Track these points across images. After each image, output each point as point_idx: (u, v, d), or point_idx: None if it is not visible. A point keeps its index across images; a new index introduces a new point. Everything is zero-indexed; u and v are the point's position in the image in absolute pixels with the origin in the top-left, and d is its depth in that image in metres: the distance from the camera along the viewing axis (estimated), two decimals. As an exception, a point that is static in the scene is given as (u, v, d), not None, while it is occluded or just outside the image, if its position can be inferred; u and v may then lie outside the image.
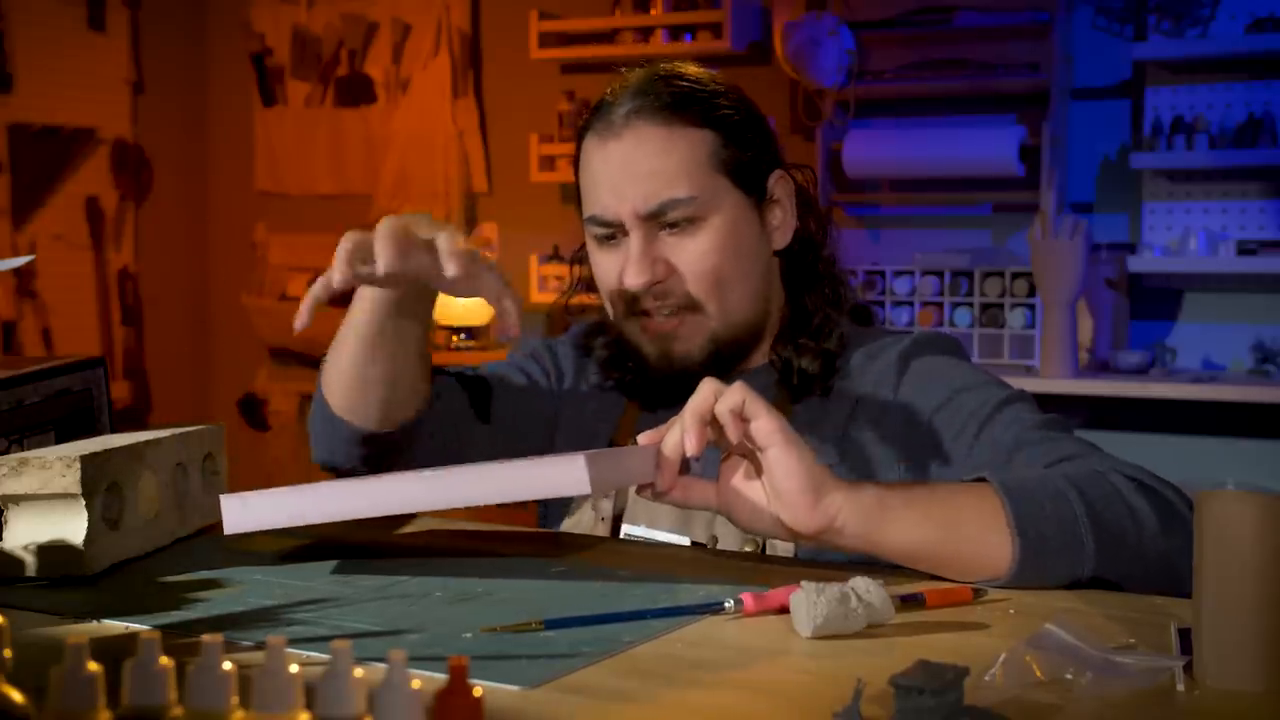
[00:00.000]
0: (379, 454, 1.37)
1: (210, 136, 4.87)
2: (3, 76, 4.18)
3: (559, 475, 1.05)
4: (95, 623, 1.00)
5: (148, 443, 1.21)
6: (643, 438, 1.14)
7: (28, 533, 1.11)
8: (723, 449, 1.14)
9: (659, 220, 1.35)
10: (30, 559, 1.10)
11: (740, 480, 1.13)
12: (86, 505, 1.10)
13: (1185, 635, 0.93)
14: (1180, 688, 0.85)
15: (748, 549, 1.31)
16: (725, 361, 1.39)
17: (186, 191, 4.80)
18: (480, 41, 4.42)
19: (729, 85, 1.42)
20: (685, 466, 1.13)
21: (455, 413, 1.45)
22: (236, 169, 4.80)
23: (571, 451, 1.11)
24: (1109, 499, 1.12)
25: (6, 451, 1.28)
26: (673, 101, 1.36)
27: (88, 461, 1.10)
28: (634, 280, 1.34)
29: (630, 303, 1.38)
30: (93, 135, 4.44)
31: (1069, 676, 0.84)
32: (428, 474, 1.10)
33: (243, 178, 4.78)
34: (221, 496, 1.13)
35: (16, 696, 0.64)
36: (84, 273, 4.43)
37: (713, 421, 1.10)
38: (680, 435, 1.10)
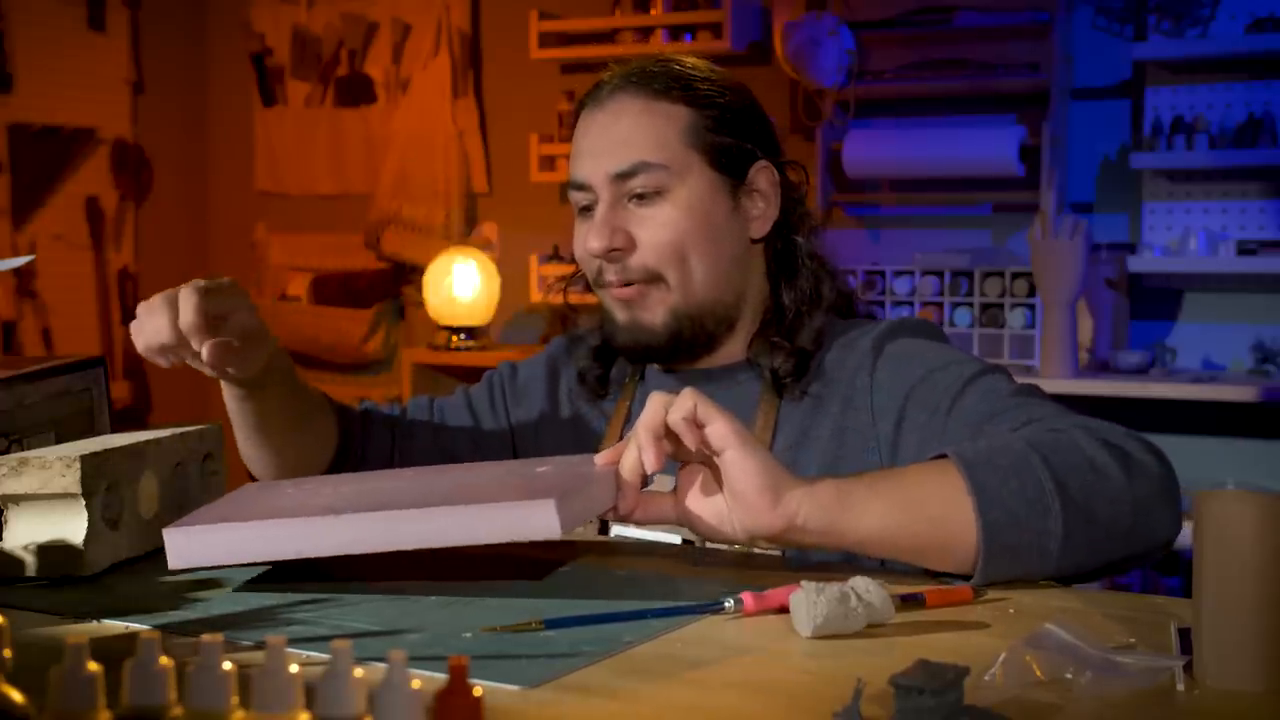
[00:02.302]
0: None
1: (210, 136, 4.87)
2: (3, 76, 4.18)
3: (528, 519, 1.02)
4: (95, 623, 1.00)
5: (148, 442, 1.21)
6: (599, 459, 1.14)
7: (28, 533, 1.11)
8: (679, 461, 1.14)
9: (627, 188, 1.37)
10: (30, 559, 1.10)
11: (698, 490, 1.12)
12: (86, 505, 1.10)
13: (1185, 635, 0.93)
14: (1180, 688, 0.85)
15: (737, 546, 1.31)
16: (690, 342, 1.41)
17: (186, 191, 4.80)
18: (480, 41, 4.42)
19: (727, 76, 1.45)
20: (644, 481, 1.12)
21: (378, 453, 1.53)
22: (236, 169, 4.80)
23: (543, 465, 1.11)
24: (1071, 458, 1.11)
25: (6, 451, 1.28)
26: (656, 79, 1.40)
27: (88, 461, 1.10)
28: (593, 243, 1.38)
29: (596, 273, 1.41)
30: (93, 135, 4.44)
31: (1069, 676, 0.84)
32: (390, 513, 1.05)
33: (243, 178, 4.78)
34: (165, 530, 1.08)
35: (16, 696, 0.64)
36: (84, 273, 4.43)
37: (668, 434, 1.09)
38: (637, 454, 1.09)
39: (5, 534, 1.11)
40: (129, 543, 1.17)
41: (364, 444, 1.52)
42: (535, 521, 1.02)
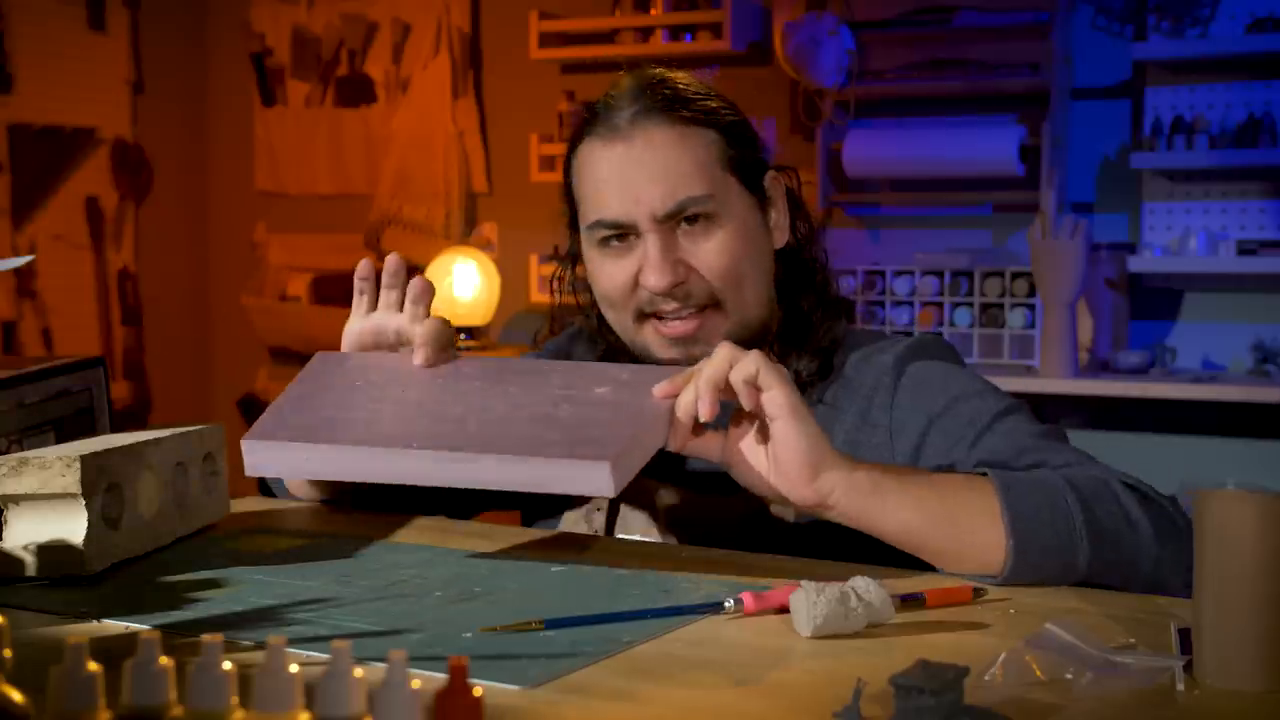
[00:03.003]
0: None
1: (210, 136, 4.87)
2: (3, 76, 4.18)
3: (584, 476, 1.10)
4: (95, 623, 1.00)
5: (147, 443, 1.21)
6: (658, 390, 1.16)
7: (28, 533, 1.11)
8: (735, 406, 1.15)
9: (675, 220, 1.33)
10: (30, 559, 1.10)
11: (748, 440, 1.15)
12: (86, 505, 1.10)
13: (1185, 635, 0.93)
14: (1180, 688, 0.85)
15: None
16: None
17: (186, 191, 4.80)
18: (480, 41, 4.42)
19: (715, 88, 1.43)
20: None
21: None
22: (236, 169, 4.80)
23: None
24: (1106, 503, 1.13)
25: (6, 451, 1.28)
26: (676, 102, 1.35)
27: (88, 461, 1.10)
28: (658, 283, 1.31)
29: (644, 305, 1.35)
30: (93, 135, 4.44)
31: (1069, 676, 0.84)
32: (454, 454, 1.12)
33: (243, 178, 4.78)
34: (243, 440, 1.17)
35: (16, 696, 0.64)
36: (84, 273, 4.43)
37: (727, 386, 1.12)
38: (694, 398, 1.13)
39: (5, 534, 1.11)
40: (129, 543, 1.17)
41: None
42: (591, 481, 1.10)
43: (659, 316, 1.35)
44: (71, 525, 1.10)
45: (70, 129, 4.37)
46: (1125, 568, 1.13)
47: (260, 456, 1.17)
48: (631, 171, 1.33)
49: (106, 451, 1.14)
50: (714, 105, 1.37)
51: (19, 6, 4.20)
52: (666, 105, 1.34)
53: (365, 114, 4.57)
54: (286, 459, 1.17)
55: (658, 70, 1.40)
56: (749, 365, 1.11)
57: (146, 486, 1.20)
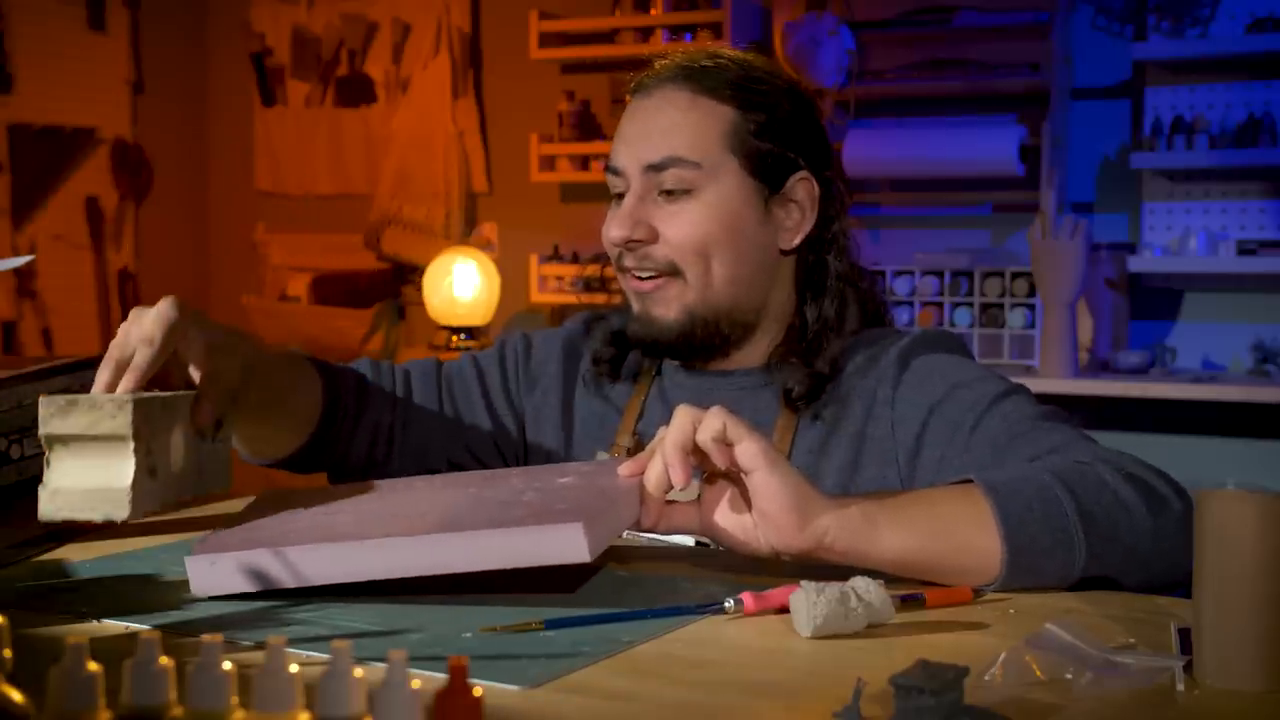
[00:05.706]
0: (295, 464, 1.49)
1: (210, 136, 4.87)
2: (3, 76, 4.18)
3: (557, 544, 1.01)
4: (95, 623, 1.00)
5: (180, 396, 1.19)
6: (623, 470, 1.13)
7: (72, 474, 1.08)
8: (705, 471, 1.13)
9: (657, 180, 1.37)
10: (75, 500, 1.07)
11: (724, 505, 1.12)
12: (134, 449, 1.07)
13: (1185, 635, 0.93)
14: (1180, 688, 0.85)
15: None
16: (702, 343, 1.40)
17: (186, 191, 4.80)
18: (480, 41, 4.42)
19: (790, 82, 1.44)
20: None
21: (373, 426, 1.48)
22: (236, 169, 4.80)
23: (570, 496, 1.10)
24: (1097, 491, 1.12)
25: (6, 451, 1.28)
26: (709, 75, 1.39)
27: (139, 405, 1.08)
28: (614, 231, 1.38)
29: (617, 259, 1.41)
30: (93, 135, 4.44)
31: (1069, 676, 0.84)
32: (414, 539, 1.04)
33: (243, 178, 4.78)
34: (187, 558, 1.06)
35: (16, 696, 0.64)
36: (84, 273, 4.43)
37: (695, 449, 1.09)
38: (662, 468, 1.09)
39: (49, 475, 1.09)
40: (162, 493, 1.14)
41: (359, 415, 1.47)
42: (564, 546, 1.01)
43: (628, 271, 1.41)
44: (118, 468, 1.08)
45: (70, 129, 4.37)
46: (1126, 552, 1.11)
47: (208, 575, 1.05)
48: (639, 123, 1.40)
49: (150, 399, 1.11)
50: (750, 88, 1.39)
51: (19, 6, 4.20)
52: (690, 74, 1.39)
53: (365, 114, 4.58)
54: (237, 572, 1.05)
55: (720, 47, 1.46)
56: (714, 422, 1.07)
57: (177, 440, 1.17)
